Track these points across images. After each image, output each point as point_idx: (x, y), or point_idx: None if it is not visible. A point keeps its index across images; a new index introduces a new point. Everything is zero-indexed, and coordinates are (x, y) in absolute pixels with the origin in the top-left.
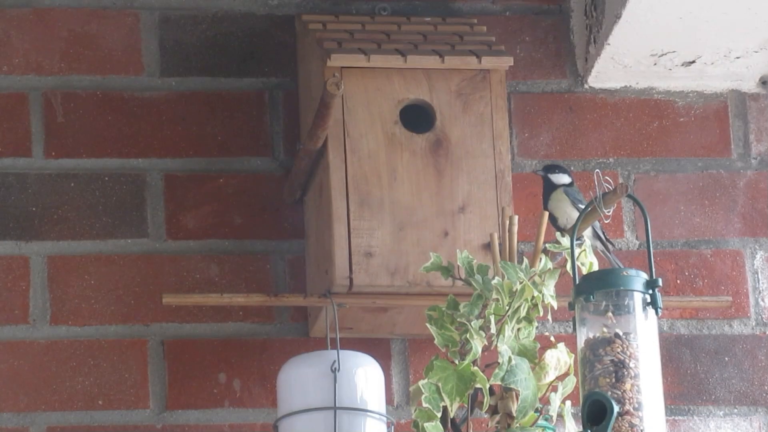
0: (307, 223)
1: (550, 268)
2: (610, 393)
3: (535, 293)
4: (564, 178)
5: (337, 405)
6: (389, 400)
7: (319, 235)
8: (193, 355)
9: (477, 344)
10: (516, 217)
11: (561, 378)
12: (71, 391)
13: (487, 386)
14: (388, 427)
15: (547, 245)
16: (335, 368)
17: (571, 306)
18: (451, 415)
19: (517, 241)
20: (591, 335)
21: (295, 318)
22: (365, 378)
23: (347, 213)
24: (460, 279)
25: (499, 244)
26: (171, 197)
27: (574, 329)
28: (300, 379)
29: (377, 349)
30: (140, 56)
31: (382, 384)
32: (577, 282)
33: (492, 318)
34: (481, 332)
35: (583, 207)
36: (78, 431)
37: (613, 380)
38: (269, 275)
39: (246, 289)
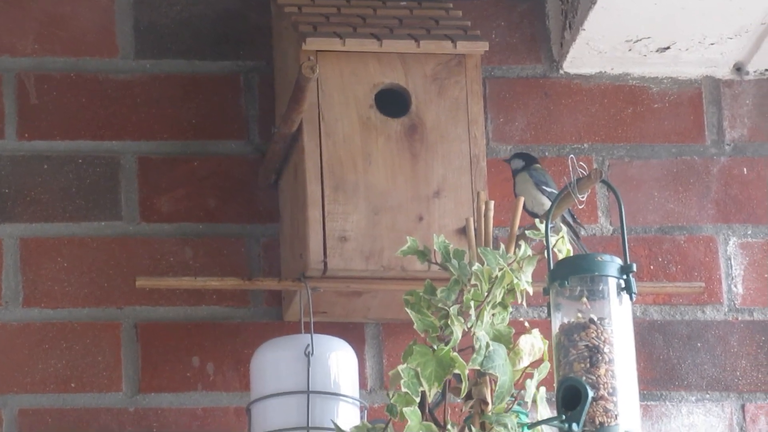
0: (281, 206)
1: (529, 255)
2: (584, 378)
3: (514, 279)
4: (520, 163)
5: (310, 389)
6: (363, 385)
7: (294, 219)
8: (167, 339)
9: (458, 330)
10: (492, 202)
11: (535, 365)
12: (44, 373)
13: (466, 372)
14: (361, 411)
15: (525, 231)
16: (309, 352)
17: (546, 291)
18: (429, 400)
19: (492, 227)
20: (566, 320)
21: (269, 302)
22: (339, 362)
23: (322, 197)
24: (436, 263)
25: (474, 229)
26: (145, 180)
27: (549, 314)
28: (273, 362)
29: (351, 333)
30: (114, 38)
31: (356, 368)
32: (552, 267)
33: (472, 303)
34: (460, 318)
35: (547, 188)
36: (50, 414)
37: (588, 365)
38: (243, 259)
39: (220, 273)
